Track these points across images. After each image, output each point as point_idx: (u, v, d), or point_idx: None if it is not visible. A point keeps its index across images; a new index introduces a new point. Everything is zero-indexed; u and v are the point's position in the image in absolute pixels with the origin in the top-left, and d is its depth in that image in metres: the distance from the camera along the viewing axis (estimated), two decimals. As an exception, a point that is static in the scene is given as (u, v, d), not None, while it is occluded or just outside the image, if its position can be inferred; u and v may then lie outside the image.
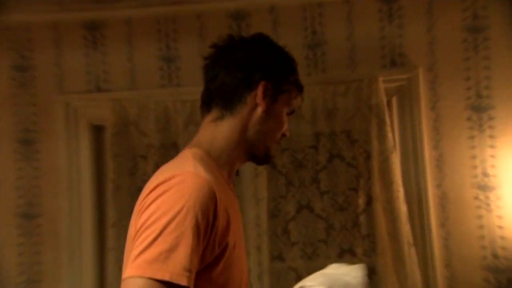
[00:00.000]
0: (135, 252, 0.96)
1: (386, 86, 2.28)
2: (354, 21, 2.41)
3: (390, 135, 2.26)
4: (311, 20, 2.45)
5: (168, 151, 2.44)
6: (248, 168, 2.41)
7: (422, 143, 2.31)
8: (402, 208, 2.24)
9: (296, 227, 2.36)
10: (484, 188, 2.29)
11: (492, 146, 2.30)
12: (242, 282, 1.18)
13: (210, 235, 1.02)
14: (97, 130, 2.52)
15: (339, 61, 2.41)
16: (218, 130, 1.21)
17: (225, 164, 1.21)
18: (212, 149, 1.20)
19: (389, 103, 2.33)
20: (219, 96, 1.23)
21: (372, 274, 2.28)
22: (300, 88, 1.31)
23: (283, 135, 1.29)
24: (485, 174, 2.29)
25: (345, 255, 2.32)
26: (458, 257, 2.29)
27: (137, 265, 0.94)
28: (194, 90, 2.39)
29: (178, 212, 0.97)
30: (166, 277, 0.93)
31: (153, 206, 1.00)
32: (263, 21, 2.46)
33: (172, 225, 0.96)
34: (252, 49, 1.25)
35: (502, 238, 2.27)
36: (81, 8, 2.47)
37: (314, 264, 2.35)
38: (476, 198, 2.30)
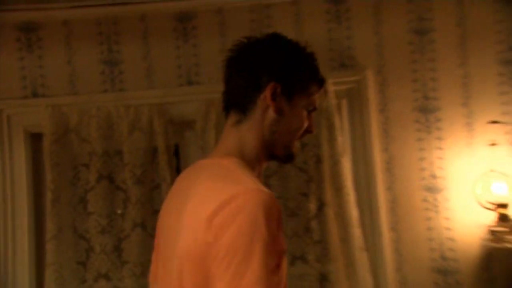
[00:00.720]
0: (232, 280, 1.01)
1: (335, 88, 2.25)
2: (302, 22, 2.38)
3: (340, 138, 2.23)
4: (259, 22, 2.39)
5: (112, 158, 2.33)
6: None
7: (372, 146, 2.30)
8: (353, 212, 2.22)
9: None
10: (433, 190, 2.30)
11: (439, 148, 2.32)
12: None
13: (275, 244, 1.06)
14: (35, 138, 2.37)
15: (288, 64, 2.37)
16: (241, 134, 1.25)
17: (255, 167, 1.25)
18: (243, 155, 1.23)
19: (339, 106, 2.30)
20: (234, 99, 1.27)
21: (324, 281, 2.24)
22: (320, 84, 1.29)
23: (307, 131, 1.29)
24: (433, 176, 2.31)
25: (297, 262, 2.27)
26: (408, 260, 2.29)
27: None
28: (139, 94, 2.34)
29: (257, 235, 1.02)
30: None
31: (232, 230, 1.03)
32: (210, 23, 2.39)
33: (257, 248, 1.01)
34: (262, 50, 1.26)
35: (450, 239, 2.29)
36: (14, 8, 2.32)
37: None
38: (425, 200, 2.31)
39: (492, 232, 2.16)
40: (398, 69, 2.34)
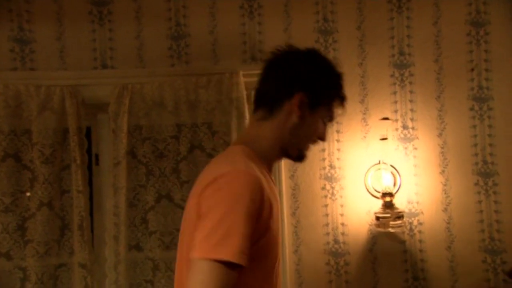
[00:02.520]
0: (200, 236, 1.15)
1: (246, 80, 2.36)
2: (217, 14, 2.48)
3: (248, 128, 2.35)
4: (175, 11, 2.46)
5: (19, 137, 2.31)
6: (107, 157, 2.37)
7: (277, 136, 2.44)
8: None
9: (155, 216, 2.37)
10: (331, 179, 2.50)
11: (338, 140, 2.52)
12: (275, 266, 1.33)
13: (256, 222, 1.19)
14: None
15: (202, 54, 2.46)
16: (261, 129, 1.39)
17: (266, 160, 1.38)
18: (256, 146, 1.37)
19: (248, 96, 2.42)
20: (264, 99, 1.41)
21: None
22: (342, 101, 1.44)
23: (319, 138, 1.44)
24: (332, 166, 2.51)
25: None
26: (305, 243, 2.48)
27: (203, 248, 1.13)
28: (51, 75, 2.33)
29: (233, 205, 1.16)
30: (228, 258, 1.12)
31: (212, 199, 1.19)
32: (126, 9, 2.43)
33: (229, 216, 1.15)
34: (299, 62, 1.40)
35: (343, 224, 2.50)
36: None
37: (171, 253, 2.38)
38: (323, 188, 2.50)
39: (378, 218, 2.40)
40: (304, 66, 2.50)
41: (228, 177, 1.21)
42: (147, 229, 2.38)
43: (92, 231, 2.35)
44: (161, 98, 2.36)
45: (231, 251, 1.13)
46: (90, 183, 2.37)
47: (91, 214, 2.36)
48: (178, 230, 2.37)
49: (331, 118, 1.45)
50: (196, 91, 2.37)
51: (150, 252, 2.37)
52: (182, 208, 2.37)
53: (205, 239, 1.14)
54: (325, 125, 1.44)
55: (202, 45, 2.47)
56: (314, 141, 1.45)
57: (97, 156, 2.44)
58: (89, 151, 2.38)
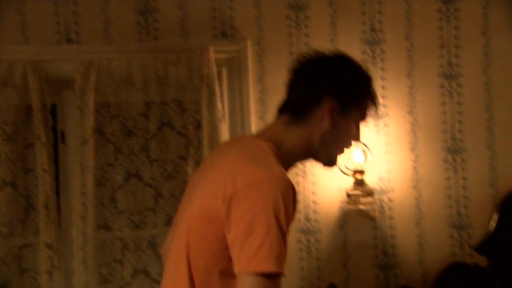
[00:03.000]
0: (250, 251, 1.16)
1: (216, 57, 2.32)
2: (186, -11, 2.42)
3: (219, 105, 2.32)
4: (144, -15, 2.39)
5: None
6: (73, 134, 2.31)
7: (249, 113, 2.42)
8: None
9: (123, 195, 2.33)
10: (302, 156, 2.49)
11: (309, 118, 2.51)
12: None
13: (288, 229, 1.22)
14: None
15: (171, 30, 2.40)
16: (288, 134, 1.37)
17: (287, 163, 1.37)
18: (281, 147, 1.34)
19: (219, 74, 2.39)
20: (291, 104, 1.39)
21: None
22: (374, 101, 1.42)
23: (355, 139, 1.43)
24: (303, 144, 2.49)
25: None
26: (277, 220, 2.48)
27: (253, 263, 1.15)
28: (12, 49, 2.24)
29: (275, 216, 1.17)
30: (278, 270, 1.16)
31: (254, 210, 1.18)
32: (91, -19, 2.34)
33: (271, 228, 1.16)
34: (328, 67, 1.38)
35: (314, 202, 2.50)
36: None
37: (141, 232, 2.35)
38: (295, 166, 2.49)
39: (349, 196, 2.41)
40: (276, 42, 2.47)
41: (267, 184, 1.20)
42: (115, 209, 2.33)
43: (58, 210, 2.29)
44: (130, 75, 2.30)
45: (277, 263, 1.16)
46: (56, 161, 2.31)
47: (57, 193, 2.30)
48: (148, 209, 2.37)
49: (363, 119, 1.43)
50: (166, 68, 2.31)
51: (119, 231, 2.33)
52: (152, 186, 2.35)
53: (255, 255, 1.16)
54: (358, 127, 1.42)
55: (171, 21, 2.40)
56: (348, 145, 1.43)
57: (63, 134, 2.37)
58: (54, 129, 2.31)
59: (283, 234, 1.18)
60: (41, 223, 2.22)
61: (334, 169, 2.42)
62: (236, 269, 1.19)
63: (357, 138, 1.44)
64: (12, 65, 2.20)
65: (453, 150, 2.58)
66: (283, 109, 1.42)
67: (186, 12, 2.40)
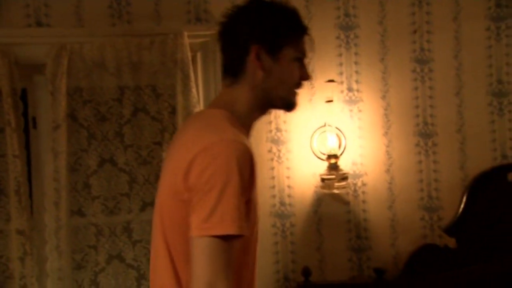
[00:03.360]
0: (202, 215, 1.17)
1: (191, 41, 2.31)
2: (160, -28, 2.39)
3: (194, 90, 2.32)
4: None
5: None
6: (46, 120, 2.27)
7: (223, 98, 2.41)
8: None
9: (97, 181, 2.32)
10: (277, 142, 2.51)
11: (284, 104, 2.51)
12: (254, 234, 1.35)
13: (245, 192, 1.21)
14: None
15: (144, 14, 2.37)
16: (234, 94, 1.37)
17: (245, 123, 1.36)
18: (234, 110, 1.35)
19: (193, 58, 2.38)
20: (226, 65, 1.40)
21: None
22: (304, 33, 1.39)
23: (302, 79, 1.40)
24: (278, 129, 2.51)
25: (148, 208, 2.35)
26: (252, 204, 2.49)
27: (206, 226, 1.16)
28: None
29: (229, 179, 1.17)
30: (231, 231, 1.16)
31: (207, 173, 1.18)
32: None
33: (226, 192, 1.17)
34: (243, 16, 1.38)
35: (289, 187, 2.52)
36: None
37: (115, 218, 2.34)
38: (270, 151, 2.51)
39: (323, 180, 2.43)
40: (250, 27, 2.46)
41: (220, 148, 1.21)
42: (89, 194, 2.32)
43: (30, 197, 2.26)
44: (102, 59, 2.27)
45: (232, 225, 1.16)
46: (27, 147, 2.27)
47: (29, 179, 2.27)
48: (122, 194, 2.36)
49: (303, 54, 1.41)
50: (139, 52, 2.30)
51: (93, 217, 2.32)
52: (126, 172, 2.34)
53: (208, 218, 1.16)
54: (302, 64, 1.41)
55: (145, 4, 2.38)
56: (297, 85, 1.41)
57: (34, 119, 2.33)
58: (25, 114, 2.27)
59: (238, 195, 1.18)
60: (12, 209, 2.19)
61: (308, 153, 2.48)
62: (192, 232, 1.19)
63: (305, 75, 1.42)
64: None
65: (425, 134, 2.62)
66: (224, 73, 1.42)
67: (160, -5, 2.38)
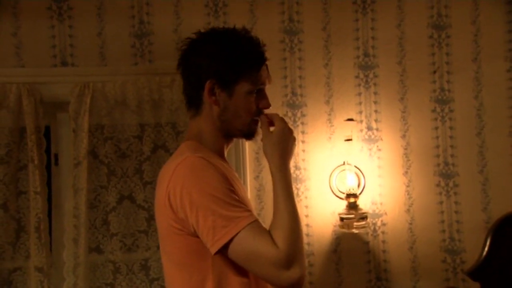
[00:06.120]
0: (212, 231, 1.25)
1: (210, 80, 2.34)
2: (181, 13, 2.44)
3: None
4: (139, 8, 2.42)
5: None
6: (67, 157, 2.30)
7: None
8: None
9: (116, 218, 2.32)
10: (296, 180, 2.49)
11: (303, 141, 2.52)
12: None
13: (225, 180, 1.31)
14: None
15: (166, 53, 2.41)
16: (199, 126, 1.43)
17: (215, 149, 1.43)
18: (202, 140, 1.42)
19: (213, 97, 2.40)
20: (187, 99, 1.45)
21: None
22: (260, 63, 1.40)
23: (263, 107, 1.42)
24: (297, 167, 2.50)
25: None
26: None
27: (224, 234, 1.24)
28: (6, 72, 2.26)
29: (200, 181, 1.28)
30: (244, 224, 1.24)
31: (181, 192, 1.28)
32: (87, 5, 2.37)
33: (206, 202, 1.26)
34: (198, 50, 1.40)
35: (307, 225, 2.48)
36: None
37: (133, 255, 2.33)
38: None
39: (342, 219, 2.40)
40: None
41: (181, 165, 1.31)
42: (108, 231, 2.32)
43: (50, 233, 2.27)
44: (124, 97, 2.31)
45: (232, 224, 1.24)
46: (48, 184, 2.30)
47: (49, 216, 2.28)
48: (140, 231, 2.36)
49: (261, 85, 1.41)
50: (160, 90, 2.33)
51: (111, 254, 2.31)
52: (145, 209, 2.34)
53: (219, 228, 1.24)
54: (261, 94, 1.41)
55: (166, 44, 2.42)
56: (253, 115, 1.41)
57: (56, 156, 2.37)
58: (48, 151, 2.30)
59: (219, 189, 1.26)
60: (32, 246, 2.21)
61: (327, 192, 2.46)
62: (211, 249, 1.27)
63: (265, 104, 1.42)
64: (7, 87, 2.21)
65: (446, 174, 2.59)
66: (187, 104, 1.47)
67: (181, 35, 2.42)
